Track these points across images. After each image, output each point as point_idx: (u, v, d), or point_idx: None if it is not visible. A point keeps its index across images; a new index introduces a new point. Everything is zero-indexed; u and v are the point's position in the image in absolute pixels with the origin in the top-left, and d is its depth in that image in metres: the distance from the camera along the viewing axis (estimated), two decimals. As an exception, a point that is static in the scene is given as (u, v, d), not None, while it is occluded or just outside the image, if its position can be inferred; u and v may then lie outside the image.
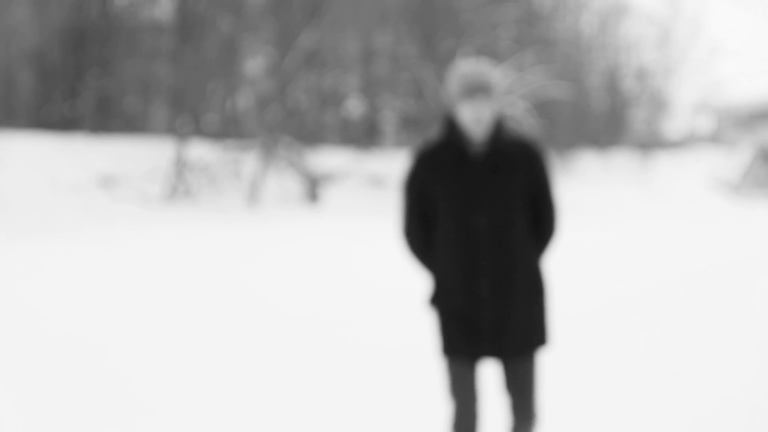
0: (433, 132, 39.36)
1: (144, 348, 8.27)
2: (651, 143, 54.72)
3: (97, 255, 15.21)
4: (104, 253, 15.47)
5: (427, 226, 4.67)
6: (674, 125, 60.89)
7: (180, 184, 28.25)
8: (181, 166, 28.66)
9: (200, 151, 30.59)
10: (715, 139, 60.51)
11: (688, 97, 58.92)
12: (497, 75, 4.51)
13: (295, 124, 33.11)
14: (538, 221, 4.67)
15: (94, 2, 35.11)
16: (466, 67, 4.53)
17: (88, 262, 14.28)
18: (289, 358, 7.97)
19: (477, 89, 4.45)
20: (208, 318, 9.77)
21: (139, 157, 29.31)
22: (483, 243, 4.53)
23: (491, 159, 4.53)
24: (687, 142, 61.11)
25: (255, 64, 38.66)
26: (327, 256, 15.79)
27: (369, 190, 33.87)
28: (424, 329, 8.90)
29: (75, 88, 34.54)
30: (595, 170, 48.61)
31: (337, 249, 17.12)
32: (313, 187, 30.61)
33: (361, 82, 43.74)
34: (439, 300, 4.65)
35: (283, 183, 31.05)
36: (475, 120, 4.46)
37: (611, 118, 56.79)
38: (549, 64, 41.30)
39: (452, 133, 4.58)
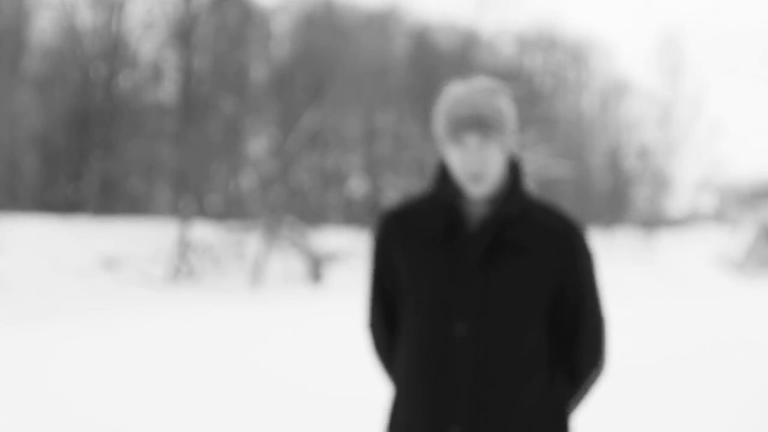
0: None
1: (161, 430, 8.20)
2: (654, 221, 54.78)
3: (104, 339, 15.14)
4: (110, 337, 15.40)
5: (392, 323, 3.14)
6: (677, 203, 61.02)
7: (183, 265, 28.23)
8: (184, 247, 28.66)
9: (203, 231, 30.62)
10: (717, 217, 60.59)
11: (690, 175, 59.10)
12: (505, 103, 3.00)
13: (298, 203, 33.19)
14: (572, 346, 3.02)
15: (99, 85, 35.39)
16: (456, 92, 2.99)
17: (95, 346, 14.20)
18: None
19: (469, 125, 2.91)
20: (220, 399, 9.70)
21: (143, 238, 29.33)
22: (461, 367, 2.90)
23: (496, 231, 2.93)
24: (690, 220, 61.18)
25: (258, 144, 38.90)
26: (334, 336, 15.71)
27: (372, 270, 33.87)
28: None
29: (79, 170, 34.70)
30: (599, 248, 48.64)
31: (344, 328, 17.05)
32: (317, 266, 30.59)
33: (363, 162, 43.94)
34: None
35: (286, 263, 31.03)
36: (468, 173, 2.92)
37: (614, 197, 56.92)
38: (551, 143, 41.50)
39: (441, 186, 3.03)
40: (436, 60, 44.23)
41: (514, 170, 3.05)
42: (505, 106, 2.97)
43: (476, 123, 2.91)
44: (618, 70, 65.61)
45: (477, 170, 2.91)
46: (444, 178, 3.05)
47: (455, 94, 2.99)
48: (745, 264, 44.78)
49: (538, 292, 2.93)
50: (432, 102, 42.69)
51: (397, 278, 3.06)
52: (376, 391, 10.34)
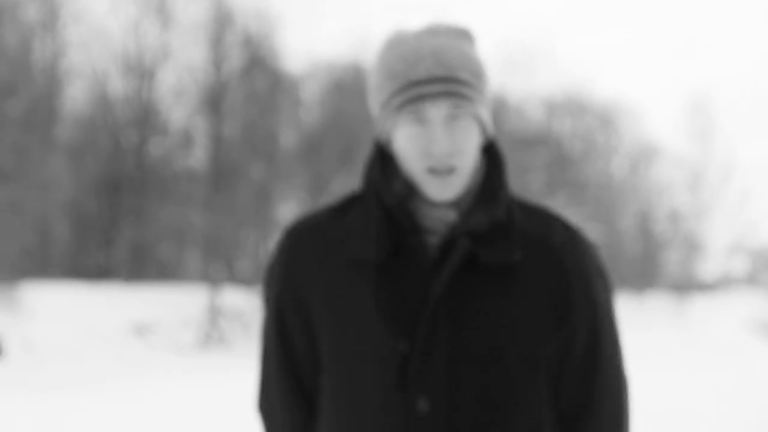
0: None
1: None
2: (686, 285, 54.39)
3: (136, 404, 15.10)
4: (142, 403, 15.35)
5: (305, 401, 2.01)
6: (709, 267, 60.62)
7: (214, 332, 28.20)
8: (214, 314, 28.65)
9: (234, 297, 30.60)
10: (750, 280, 60.14)
11: (722, 239, 58.75)
12: (479, 54, 1.97)
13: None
14: (585, 419, 1.96)
15: (130, 153, 35.65)
16: (408, 38, 1.95)
17: (126, 411, 14.17)
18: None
19: (434, 90, 1.89)
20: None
21: (173, 304, 29.33)
22: None
23: (468, 248, 1.90)
24: (722, 284, 60.76)
25: (288, 209, 38.94)
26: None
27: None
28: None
29: (110, 236, 34.86)
30: (630, 313, 48.25)
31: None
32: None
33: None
34: None
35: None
36: (429, 165, 1.90)
37: (645, 261, 56.60)
38: (581, 207, 41.40)
39: (380, 183, 1.97)
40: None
41: (491, 157, 2.02)
42: (481, 59, 1.97)
43: (445, 87, 1.89)
44: (647, 134, 65.68)
45: (445, 160, 1.89)
46: (384, 172, 1.98)
47: (408, 40, 1.94)
48: (778, 328, 44.31)
49: (534, 340, 1.91)
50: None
51: (313, 331, 1.97)
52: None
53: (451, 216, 1.93)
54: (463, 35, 1.96)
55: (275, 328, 2.01)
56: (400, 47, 1.94)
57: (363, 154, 36.95)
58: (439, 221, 1.94)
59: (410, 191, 1.94)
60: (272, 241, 37.93)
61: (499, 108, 46.70)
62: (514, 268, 1.92)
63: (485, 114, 1.95)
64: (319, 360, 1.97)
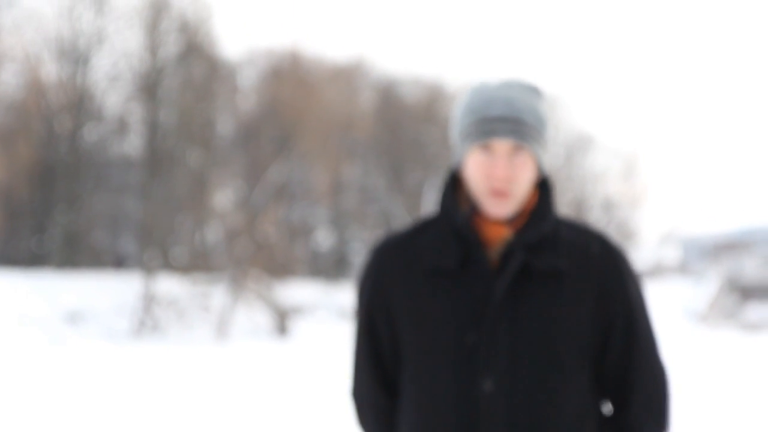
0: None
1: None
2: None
3: (68, 392, 15.00)
4: (73, 392, 15.25)
5: (390, 387, 2.46)
6: (641, 255, 61.30)
7: (148, 319, 28.03)
8: (148, 301, 28.48)
9: (169, 284, 30.45)
10: (681, 269, 60.90)
11: (654, 228, 59.40)
12: (544, 107, 2.43)
13: (264, 256, 33.13)
14: (628, 405, 2.38)
15: (63, 139, 35.31)
16: (487, 86, 2.40)
17: (60, 400, 14.07)
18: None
19: (502, 128, 2.32)
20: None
21: (107, 291, 29.11)
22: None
23: (524, 260, 2.32)
24: (654, 272, 61.47)
25: (224, 197, 38.82)
26: (303, 393, 15.63)
27: (339, 322, 33.73)
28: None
29: (43, 223, 34.50)
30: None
31: (312, 385, 16.98)
32: (282, 319, 30.45)
33: (329, 214, 43.95)
34: None
35: (252, 316, 30.88)
36: (491, 187, 2.33)
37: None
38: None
39: (453, 204, 2.40)
40: (401, 113, 44.42)
41: (543, 188, 2.44)
42: (545, 111, 2.40)
43: (511, 126, 2.32)
44: (582, 124, 66.15)
45: (503, 184, 2.32)
46: (455, 193, 2.43)
47: (486, 88, 2.38)
48: (708, 316, 44.96)
49: (580, 332, 2.31)
50: (397, 155, 42.87)
51: (396, 328, 2.39)
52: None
53: (508, 233, 2.37)
54: (533, 91, 2.41)
55: (366, 328, 2.45)
56: (480, 92, 2.39)
57: (299, 142, 36.94)
58: (498, 237, 2.37)
59: (474, 212, 2.38)
60: (208, 228, 37.82)
61: (436, 96, 46.85)
62: (561, 273, 2.35)
63: (542, 154, 2.40)
64: (400, 353, 2.41)
